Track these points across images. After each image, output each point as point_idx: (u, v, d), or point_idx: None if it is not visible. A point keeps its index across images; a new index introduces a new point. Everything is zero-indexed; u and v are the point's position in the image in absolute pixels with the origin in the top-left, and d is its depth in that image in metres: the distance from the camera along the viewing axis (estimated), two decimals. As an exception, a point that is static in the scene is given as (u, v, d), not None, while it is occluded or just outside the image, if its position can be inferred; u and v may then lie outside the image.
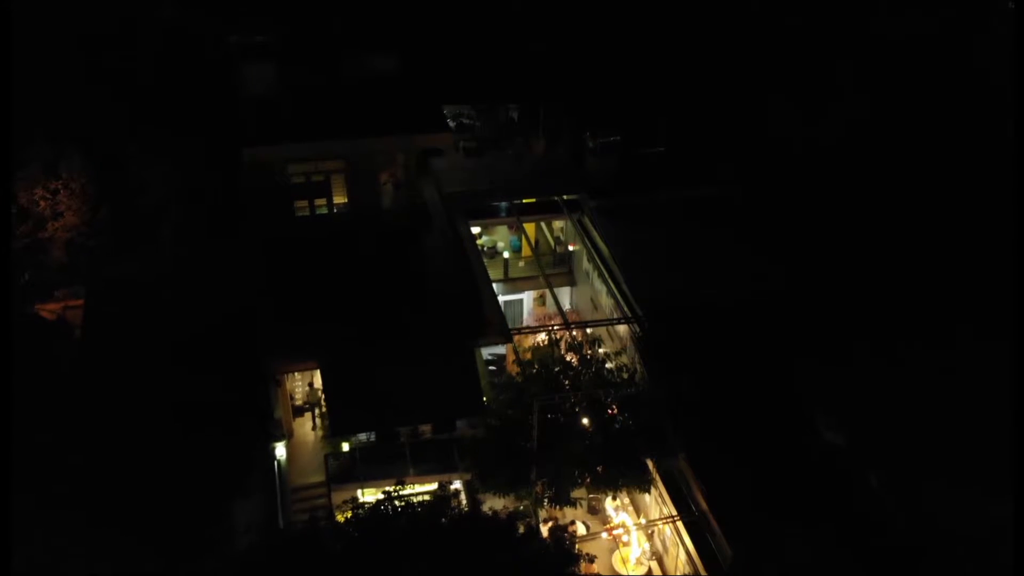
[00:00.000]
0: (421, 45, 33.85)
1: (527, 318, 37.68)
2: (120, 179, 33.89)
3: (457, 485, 27.19)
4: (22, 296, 33.48)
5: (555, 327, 31.21)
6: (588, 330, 32.68)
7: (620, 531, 28.94)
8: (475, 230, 34.97)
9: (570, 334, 29.34)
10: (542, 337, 31.15)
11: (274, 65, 30.08)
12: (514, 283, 36.56)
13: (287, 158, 28.57)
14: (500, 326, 27.66)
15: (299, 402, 29.51)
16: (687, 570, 25.54)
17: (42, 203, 32.01)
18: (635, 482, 26.09)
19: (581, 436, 26.07)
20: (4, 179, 30.02)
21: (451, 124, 33.11)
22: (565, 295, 37.18)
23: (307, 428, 28.90)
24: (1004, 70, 36.40)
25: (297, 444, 28.34)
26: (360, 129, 28.49)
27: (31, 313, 33.67)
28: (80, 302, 33.28)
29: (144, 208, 33.73)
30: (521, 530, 21.82)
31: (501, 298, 32.12)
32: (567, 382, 26.67)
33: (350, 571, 18.39)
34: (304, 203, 30.35)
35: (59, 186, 32.40)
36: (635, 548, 29.01)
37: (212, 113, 35.05)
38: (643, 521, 29.04)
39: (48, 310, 34.36)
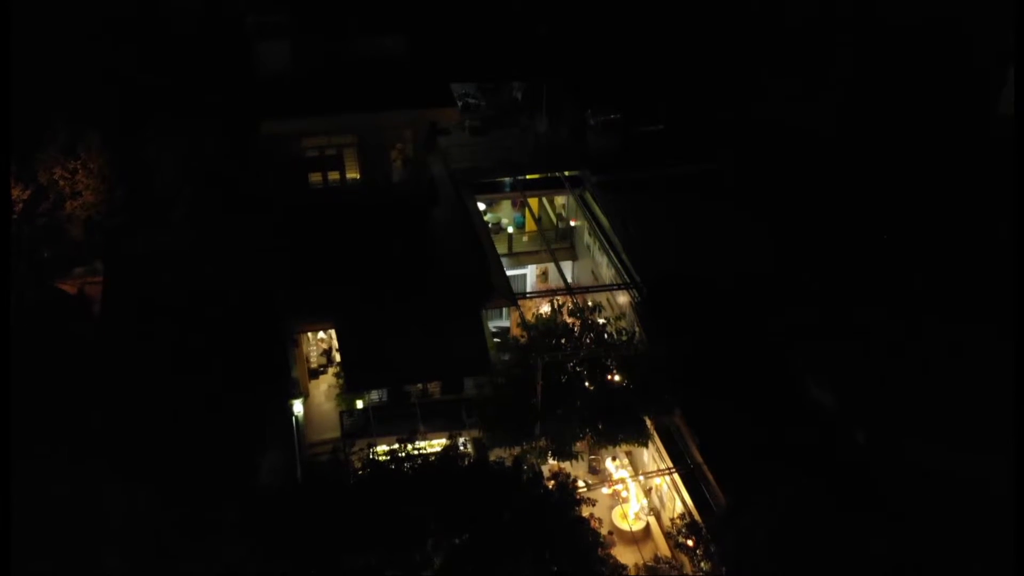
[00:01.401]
0: (429, 27, 35.17)
1: (531, 290, 39.06)
2: (136, 161, 35.20)
3: (464, 441, 28.55)
4: (43, 272, 34.89)
5: (558, 293, 32.57)
6: (589, 303, 34.10)
7: (620, 487, 30.39)
8: (480, 207, 36.38)
9: (572, 300, 30.73)
10: (545, 309, 32.64)
11: (289, 43, 31.40)
12: (517, 257, 37.96)
13: (302, 131, 29.91)
14: (506, 291, 29.06)
15: (314, 365, 30.97)
16: (682, 521, 26.98)
17: (61, 182, 33.18)
18: (633, 437, 27.49)
19: (582, 395, 27.53)
20: (4, 178, 31.04)
21: (457, 104, 34.38)
22: (567, 269, 38.45)
23: (322, 389, 30.34)
24: (996, 52, 37.77)
25: (313, 404, 29.78)
26: (371, 103, 29.86)
27: (53, 288, 35.05)
28: (98, 279, 34.63)
29: (159, 189, 35.06)
30: (526, 476, 23.30)
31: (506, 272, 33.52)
32: (569, 345, 28.07)
33: (364, 504, 19.75)
34: (318, 176, 31.69)
35: (78, 166, 33.56)
36: (634, 504, 30.47)
37: (226, 95, 36.42)
38: (641, 479, 30.48)
39: (68, 285, 35.73)
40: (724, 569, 21.88)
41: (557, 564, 21.12)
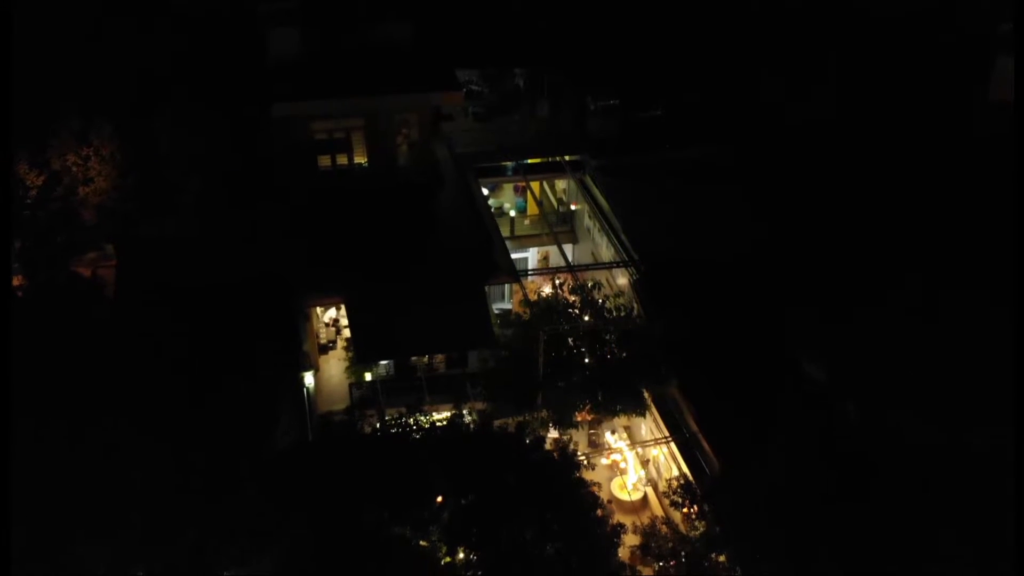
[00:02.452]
0: (433, 14, 36.15)
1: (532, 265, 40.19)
2: (147, 149, 36.13)
3: (469, 411, 29.60)
4: (56, 255, 35.87)
5: (560, 270, 33.62)
6: (589, 284, 35.14)
7: (618, 457, 31.48)
8: (484, 192, 37.41)
9: (573, 277, 31.80)
10: (547, 291, 33.71)
11: (298, 30, 32.44)
12: (519, 241, 39.04)
13: (312, 114, 30.97)
14: (509, 268, 30.13)
15: (323, 341, 32.06)
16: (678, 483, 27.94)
17: (74, 168, 34.14)
18: (631, 408, 28.56)
19: (582, 368, 28.60)
20: (4, 177, 31.58)
21: (461, 88, 35.38)
22: (568, 252, 39.57)
23: (332, 364, 31.41)
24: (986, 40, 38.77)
25: (323, 379, 30.87)
26: (379, 87, 30.91)
27: (68, 270, 36.01)
28: (110, 263, 35.53)
29: (170, 176, 36.01)
30: (528, 441, 24.35)
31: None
32: (569, 320, 29.15)
33: (374, 462, 20.79)
34: (327, 160, 32.75)
35: (90, 152, 34.40)
36: (632, 475, 31.54)
37: (235, 84, 37.39)
38: (640, 450, 31.57)
39: (82, 269, 36.69)
40: (718, 528, 22.91)
41: (558, 523, 22.17)
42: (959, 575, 19.93)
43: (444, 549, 21.07)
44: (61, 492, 18.59)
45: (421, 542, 20.66)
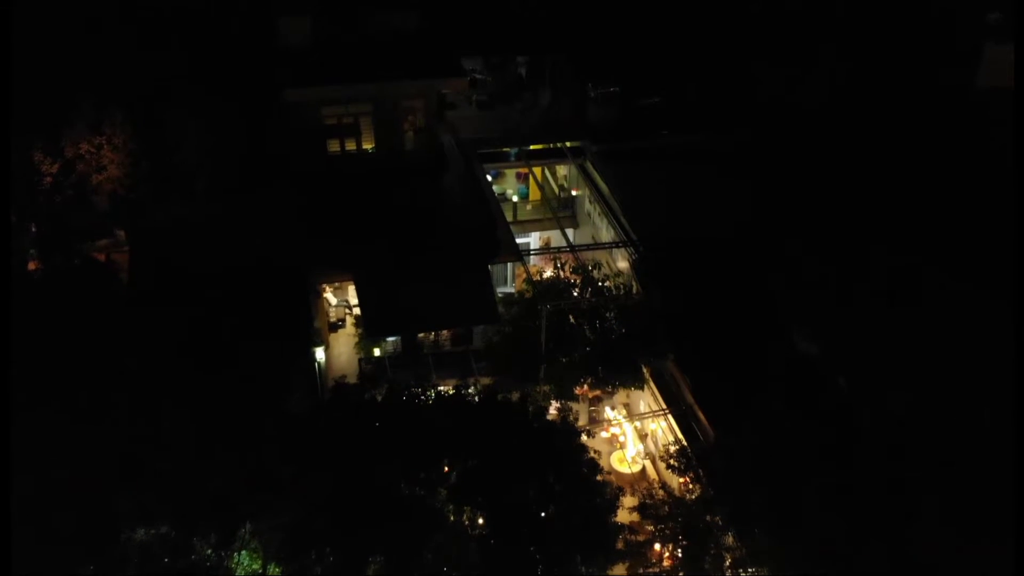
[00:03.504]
0: (439, 4, 37.22)
1: (534, 258, 41.21)
2: (159, 137, 37.10)
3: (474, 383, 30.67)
4: (71, 240, 36.93)
5: (562, 250, 34.71)
6: (589, 265, 36.24)
7: (617, 430, 32.61)
8: (488, 177, 38.46)
9: (574, 257, 32.90)
10: (549, 274, 34.77)
11: (309, 18, 33.52)
12: (522, 225, 40.10)
13: (322, 99, 32.05)
14: (511, 247, 31.24)
15: (333, 319, 33.16)
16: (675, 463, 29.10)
17: (87, 156, 35.08)
18: (630, 381, 29.68)
19: (583, 343, 29.70)
20: (4, 177, 32.35)
21: (466, 74, 36.43)
22: (569, 236, 40.60)
23: (341, 342, 32.52)
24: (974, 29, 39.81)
25: (333, 356, 31.96)
26: (387, 73, 32.00)
27: (83, 254, 37.05)
28: (124, 249, 36.52)
29: (180, 164, 37.03)
30: (531, 409, 25.45)
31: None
32: (571, 297, 30.27)
33: (385, 424, 21.90)
34: (336, 144, 33.85)
35: (103, 141, 35.35)
36: (630, 448, 32.67)
37: (246, 72, 38.40)
38: (638, 424, 32.68)
39: (95, 254, 37.73)
40: (711, 491, 24.01)
41: (560, 485, 23.25)
42: (937, 533, 20.96)
43: (451, 508, 22.20)
44: (90, 447, 19.68)
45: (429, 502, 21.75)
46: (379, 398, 25.45)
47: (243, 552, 19.94)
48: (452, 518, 21.86)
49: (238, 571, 19.40)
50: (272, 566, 19.68)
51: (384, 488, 20.23)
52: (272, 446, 20.03)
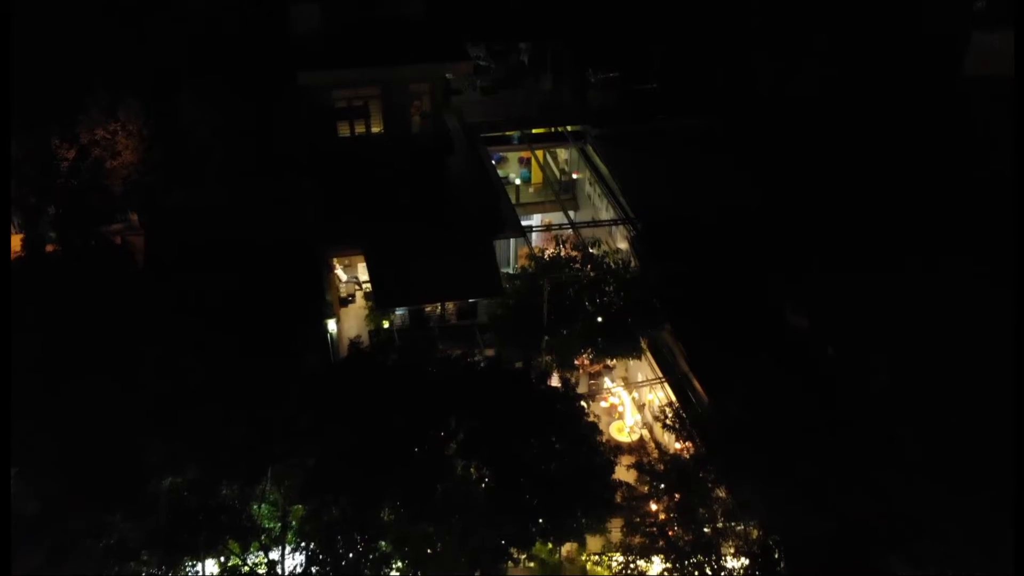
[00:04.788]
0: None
1: (535, 239, 42.57)
2: (171, 123, 38.37)
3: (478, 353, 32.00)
4: (88, 222, 38.21)
5: (563, 227, 36.06)
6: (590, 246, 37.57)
7: (616, 401, 33.98)
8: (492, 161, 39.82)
9: (575, 235, 34.26)
10: (549, 252, 36.10)
11: (319, 6, 34.82)
12: (524, 208, 41.44)
13: (333, 83, 33.33)
14: (514, 224, 32.60)
15: (343, 295, 34.53)
16: (674, 439, 30.42)
17: (102, 142, 36.26)
18: (629, 351, 31.02)
19: (584, 316, 31.03)
20: (4, 177, 33.53)
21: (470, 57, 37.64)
22: (570, 217, 42.02)
23: (351, 316, 33.89)
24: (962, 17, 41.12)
25: (343, 330, 33.32)
26: (395, 58, 33.31)
27: (102, 236, 38.30)
28: (138, 233, 37.78)
29: (193, 149, 38.28)
30: (534, 375, 26.78)
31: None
32: (573, 269, 31.62)
33: (396, 383, 23.25)
34: (346, 128, 35.16)
35: (117, 127, 36.63)
36: (629, 418, 34.05)
37: (257, 61, 39.64)
38: (636, 395, 34.06)
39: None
40: (704, 449, 25.35)
41: (560, 444, 24.58)
42: (919, 481, 22.29)
43: (460, 464, 23.53)
44: (122, 398, 21.07)
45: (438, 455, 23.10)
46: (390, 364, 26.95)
47: (263, 505, 21.35)
48: (459, 471, 23.24)
49: (260, 519, 20.77)
50: (293, 512, 21.07)
51: (396, 440, 21.53)
52: (292, 399, 21.36)
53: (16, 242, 37.60)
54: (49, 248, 37.18)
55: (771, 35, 42.70)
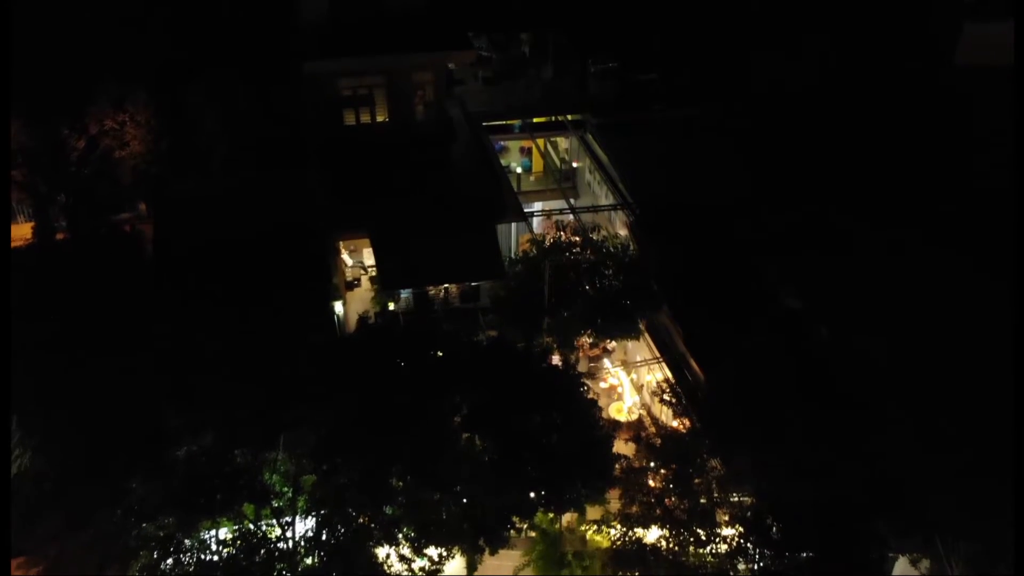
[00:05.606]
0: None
1: (536, 225, 43.43)
2: (179, 116, 39.14)
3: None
4: (97, 210, 39.03)
5: (564, 211, 36.88)
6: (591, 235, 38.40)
7: (615, 382, 34.85)
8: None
9: (575, 219, 35.12)
10: (550, 237, 36.97)
11: (327, -3, 35.69)
12: (525, 196, 42.29)
13: (339, 71, 34.15)
14: (516, 208, 33.45)
15: (349, 278, 35.39)
16: (669, 411, 31.32)
17: (111, 132, 37.06)
18: (627, 332, 31.87)
19: (584, 298, 31.88)
20: (4, 176, 34.36)
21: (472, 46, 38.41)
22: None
23: (357, 298, 34.75)
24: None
25: (349, 313, 34.13)
26: (400, 47, 34.13)
27: (112, 223, 39.11)
28: (146, 223, 38.53)
29: (200, 140, 39.06)
30: (536, 352, 27.67)
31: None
32: (574, 253, 32.47)
33: (405, 354, 24.14)
34: (351, 116, 35.99)
35: (126, 119, 37.52)
36: (628, 399, 34.92)
37: (265, 50, 40.43)
38: (634, 376, 34.93)
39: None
40: (699, 423, 26.25)
41: (561, 418, 25.44)
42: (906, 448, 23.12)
43: (464, 437, 24.42)
44: (139, 371, 21.99)
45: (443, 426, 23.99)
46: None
47: (275, 475, 22.21)
48: (464, 443, 24.12)
49: (273, 484, 21.66)
50: (304, 482, 21.93)
51: (402, 409, 22.38)
52: (303, 369, 22.25)
53: (26, 230, 38.56)
54: (59, 236, 38.10)
55: (769, 25, 43.53)
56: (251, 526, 21.21)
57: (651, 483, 25.46)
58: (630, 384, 35.20)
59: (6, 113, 33.62)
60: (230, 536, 20.83)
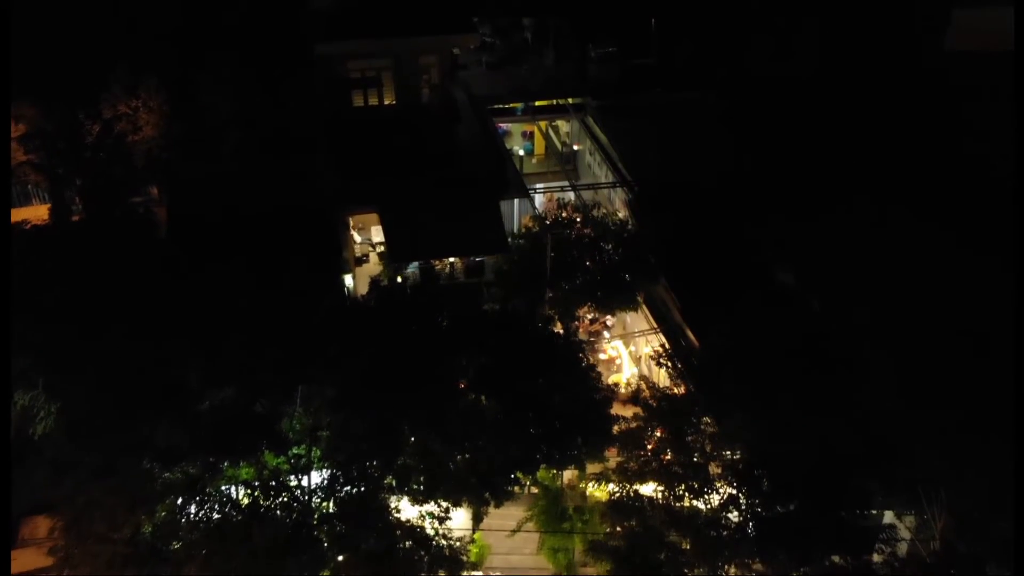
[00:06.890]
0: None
1: (539, 205, 44.66)
2: (190, 102, 40.22)
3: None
4: (114, 190, 40.14)
5: (565, 188, 38.11)
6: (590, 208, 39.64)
7: (614, 353, 36.10)
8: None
9: (576, 196, 36.37)
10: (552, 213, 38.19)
11: (336, -18, 36.92)
12: (528, 178, 43.44)
13: (348, 53, 35.47)
14: (519, 185, 34.71)
15: (358, 254, 36.64)
16: (668, 383, 32.52)
17: (124, 117, 38.21)
18: (626, 304, 33.11)
19: (584, 272, 33.12)
20: (4, 175, 35.24)
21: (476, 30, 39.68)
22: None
23: (365, 274, 35.90)
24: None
25: (358, 288, 35.39)
26: (407, 30, 35.43)
27: (127, 205, 40.23)
28: (160, 205, 39.66)
29: (210, 128, 40.13)
30: (538, 320, 28.91)
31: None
32: (574, 230, 33.71)
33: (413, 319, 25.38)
34: (359, 98, 37.28)
35: (139, 104, 38.70)
36: (626, 371, 36.16)
37: (275, 34, 41.49)
38: (633, 348, 36.16)
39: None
40: (693, 388, 27.45)
41: (562, 380, 26.66)
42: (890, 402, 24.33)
43: (471, 397, 25.65)
44: (170, 319, 23.24)
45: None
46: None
47: (295, 424, 23.38)
48: (470, 402, 25.35)
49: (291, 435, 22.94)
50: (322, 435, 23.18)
51: (413, 369, 23.62)
52: (319, 331, 23.50)
53: (43, 211, 39.74)
54: (75, 218, 39.24)
55: (765, 11, 44.72)
56: (270, 472, 22.43)
57: (648, 449, 26.65)
58: (628, 356, 36.43)
59: (6, 113, 34.60)
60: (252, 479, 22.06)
